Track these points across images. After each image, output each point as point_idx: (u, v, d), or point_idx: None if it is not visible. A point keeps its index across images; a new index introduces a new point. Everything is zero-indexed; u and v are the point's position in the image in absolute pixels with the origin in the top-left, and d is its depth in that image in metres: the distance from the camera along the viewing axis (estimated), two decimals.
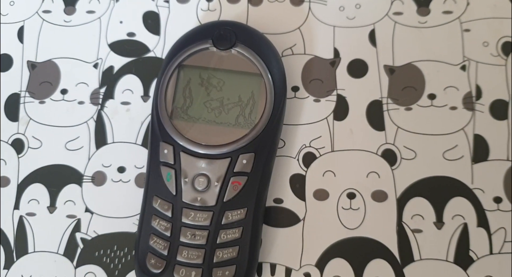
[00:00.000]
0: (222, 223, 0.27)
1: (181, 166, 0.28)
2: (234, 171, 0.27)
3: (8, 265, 0.30)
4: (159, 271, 0.27)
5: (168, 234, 0.27)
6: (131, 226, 0.30)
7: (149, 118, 0.32)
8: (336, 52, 0.32)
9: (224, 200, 0.27)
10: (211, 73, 0.29)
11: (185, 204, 0.27)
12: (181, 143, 0.28)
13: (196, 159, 0.28)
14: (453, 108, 0.30)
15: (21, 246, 0.30)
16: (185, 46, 0.29)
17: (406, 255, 0.29)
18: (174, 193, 0.28)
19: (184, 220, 0.27)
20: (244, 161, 0.28)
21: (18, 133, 0.32)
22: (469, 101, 0.30)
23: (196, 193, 0.27)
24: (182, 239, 0.27)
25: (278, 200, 0.30)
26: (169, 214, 0.28)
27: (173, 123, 0.28)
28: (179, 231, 0.27)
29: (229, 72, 0.29)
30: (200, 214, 0.27)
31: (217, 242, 0.27)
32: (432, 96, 0.31)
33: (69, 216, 0.31)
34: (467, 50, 0.31)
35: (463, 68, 0.31)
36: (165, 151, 0.28)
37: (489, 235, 0.29)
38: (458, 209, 0.29)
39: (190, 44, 0.29)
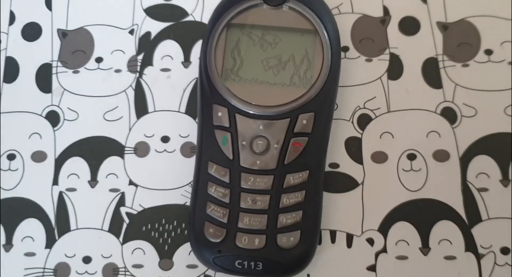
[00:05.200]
0: (284, 186, 0.26)
1: (237, 128, 0.26)
2: (294, 131, 0.26)
3: (50, 244, 0.28)
4: (219, 240, 0.25)
5: (226, 200, 0.26)
6: (179, 197, 0.28)
7: (191, 85, 0.30)
8: (386, 10, 0.31)
9: (285, 163, 0.26)
10: (262, 31, 0.28)
11: (243, 169, 0.26)
12: (235, 105, 0.26)
13: (253, 121, 0.26)
14: (511, 63, 0.29)
15: (62, 224, 0.28)
16: (233, 4, 0.28)
17: (473, 215, 0.28)
18: (231, 157, 0.26)
19: (243, 185, 0.26)
20: (304, 121, 0.26)
21: (52, 105, 0.30)
22: None
23: (255, 156, 0.26)
24: (243, 205, 0.26)
25: (334, 165, 0.29)
26: (226, 179, 0.26)
27: (226, 85, 0.27)
28: (239, 196, 0.26)
29: (281, 30, 0.28)
30: (260, 178, 0.26)
31: (280, 206, 0.26)
32: (488, 52, 0.30)
33: (112, 190, 0.29)
34: None
35: None
36: (219, 114, 0.26)
37: None
38: None
39: (238, 1, 0.28)
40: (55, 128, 0.30)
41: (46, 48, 0.31)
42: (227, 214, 0.26)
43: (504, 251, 0.27)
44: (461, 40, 0.30)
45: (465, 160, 0.28)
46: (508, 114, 0.29)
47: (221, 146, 0.26)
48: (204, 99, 0.27)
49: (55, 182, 0.29)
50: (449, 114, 0.29)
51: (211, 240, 0.26)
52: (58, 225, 0.28)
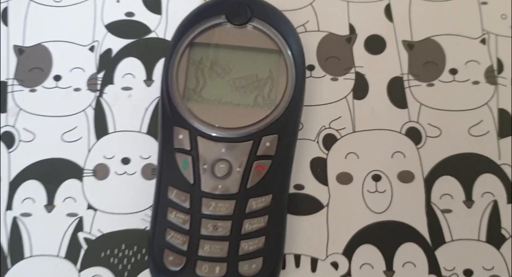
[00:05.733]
0: (246, 211, 0.25)
1: (198, 151, 0.25)
2: (257, 154, 0.25)
3: (1, 273, 0.27)
4: (178, 268, 0.25)
5: (187, 227, 0.25)
6: (139, 222, 0.28)
7: (154, 104, 0.29)
8: (352, 28, 0.30)
9: (248, 187, 0.25)
10: (225, 50, 0.27)
11: (204, 193, 0.25)
12: (197, 127, 0.25)
13: (215, 143, 0.25)
14: (476, 82, 0.29)
15: (16, 251, 0.27)
16: (196, 23, 0.27)
17: (437, 237, 0.27)
18: (192, 182, 0.25)
19: (204, 210, 0.25)
20: (268, 144, 0.25)
21: (7, 125, 0.29)
22: (491, 75, 0.29)
23: (217, 180, 0.25)
24: (203, 232, 0.25)
25: (299, 186, 0.28)
26: (187, 205, 0.25)
27: (187, 106, 0.26)
28: (199, 223, 0.25)
29: (245, 49, 0.27)
30: (222, 203, 0.25)
31: (242, 232, 0.25)
32: (453, 71, 0.30)
33: (70, 215, 0.28)
34: (485, 23, 0.30)
35: (483, 41, 0.30)
36: (180, 136, 0.25)
37: None
38: (487, 186, 0.28)
39: (201, 20, 0.27)
40: (10, 150, 0.28)
41: (2, 66, 0.30)
42: (187, 241, 0.25)
43: (467, 273, 0.27)
44: (427, 59, 0.30)
45: (429, 181, 0.28)
46: (472, 135, 0.29)
47: (182, 169, 0.25)
48: (165, 121, 0.26)
49: (9, 206, 0.28)
50: (414, 135, 0.29)
51: (170, 268, 0.25)
52: (11, 252, 0.27)
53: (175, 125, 0.26)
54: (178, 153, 0.25)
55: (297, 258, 0.27)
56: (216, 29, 0.27)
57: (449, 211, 0.28)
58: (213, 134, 0.25)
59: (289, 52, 0.27)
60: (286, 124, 0.26)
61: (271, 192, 0.26)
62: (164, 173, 0.26)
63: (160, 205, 0.26)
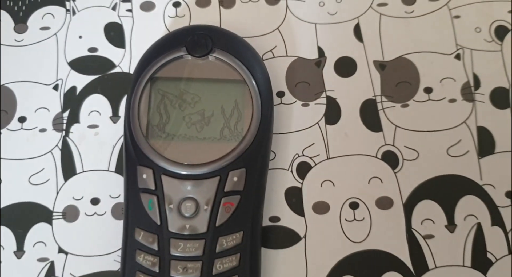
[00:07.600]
0: (217, 251, 0.24)
1: (163, 191, 0.24)
2: (225, 190, 0.24)
3: None
4: None
5: (156, 269, 0.24)
6: (112, 263, 0.27)
7: (121, 141, 0.29)
8: (321, 51, 0.29)
9: (217, 225, 0.24)
10: (187, 84, 0.26)
11: (172, 234, 0.24)
12: (161, 165, 0.25)
13: (180, 181, 0.24)
14: (452, 100, 0.28)
15: None
16: (156, 57, 0.26)
17: (420, 264, 0.26)
18: (159, 223, 0.24)
19: (172, 252, 0.24)
20: (235, 178, 0.25)
21: None
22: (468, 92, 0.28)
23: (184, 220, 0.24)
24: (173, 274, 0.24)
25: (274, 218, 0.27)
26: (155, 247, 0.24)
27: (150, 144, 0.25)
28: (169, 265, 0.24)
29: (208, 81, 0.26)
30: (191, 244, 0.24)
31: (213, 273, 0.24)
32: (428, 90, 0.29)
33: (41, 260, 0.27)
34: (459, 37, 0.29)
35: (458, 57, 0.29)
36: (144, 176, 0.25)
37: (505, 233, 0.27)
38: (470, 208, 0.27)
39: (161, 54, 0.26)
40: None
41: None
42: None
43: None
44: (400, 79, 0.29)
45: (408, 206, 0.27)
46: (451, 155, 0.28)
47: (148, 210, 0.25)
48: (128, 160, 0.25)
49: None
50: (390, 158, 0.28)
51: None
52: None
53: (139, 165, 0.25)
54: (143, 193, 0.25)
55: None
56: (177, 62, 0.26)
57: (431, 236, 0.27)
58: (178, 172, 0.24)
59: (253, 82, 0.26)
60: (253, 156, 0.25)
61: (241, 229, 0.25)
62: (131, 214, 0.25)
63: (128, 247, 0.25)
